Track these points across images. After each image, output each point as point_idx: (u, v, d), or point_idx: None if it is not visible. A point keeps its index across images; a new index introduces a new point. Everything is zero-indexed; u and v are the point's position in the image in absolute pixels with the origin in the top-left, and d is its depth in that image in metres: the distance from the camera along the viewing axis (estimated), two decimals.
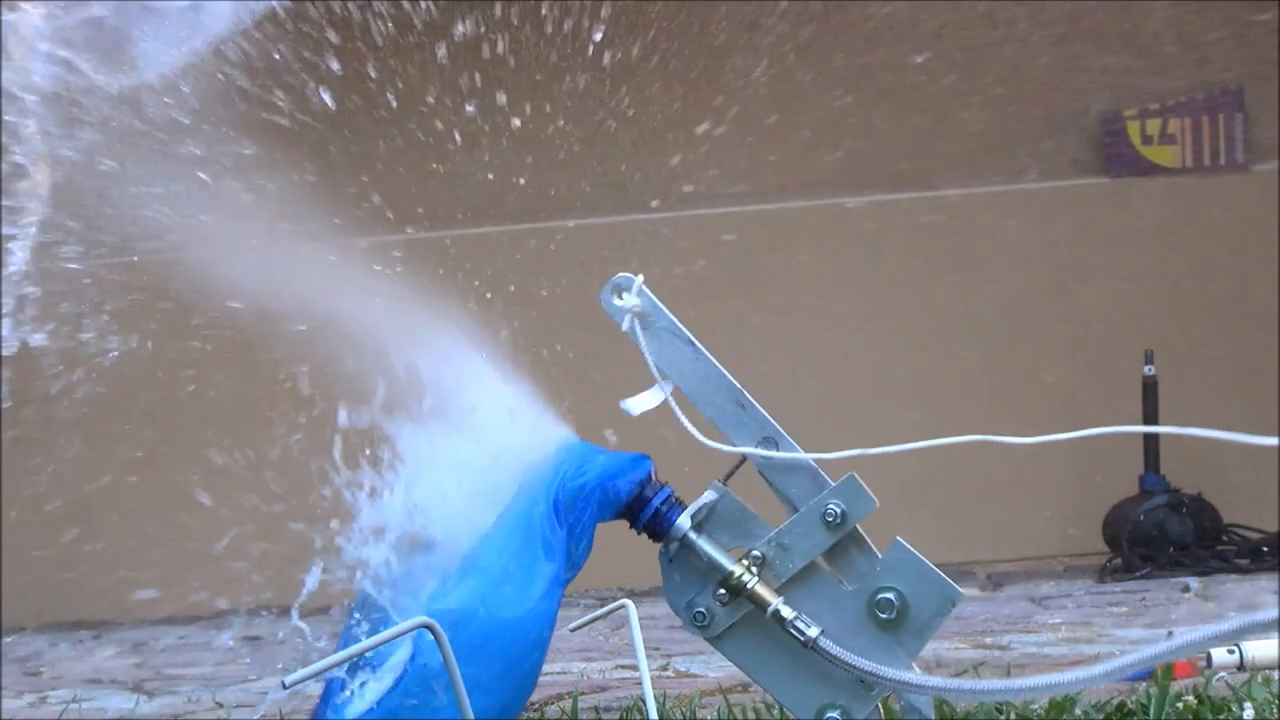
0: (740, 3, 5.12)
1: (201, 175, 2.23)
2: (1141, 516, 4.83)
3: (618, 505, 2.19)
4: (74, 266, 2.27)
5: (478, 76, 5.13)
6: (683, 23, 5.16)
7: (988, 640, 3.48)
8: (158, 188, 2.20)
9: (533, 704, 2.88)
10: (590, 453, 2.21)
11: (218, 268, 2.21)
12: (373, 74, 5.05)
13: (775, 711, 2.41)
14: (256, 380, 5.13)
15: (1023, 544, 5.10)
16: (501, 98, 5.14)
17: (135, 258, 2.28)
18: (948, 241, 5.18)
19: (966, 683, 2.09)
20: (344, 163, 5.16)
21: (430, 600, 2.12)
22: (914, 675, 2.13)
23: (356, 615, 2.15)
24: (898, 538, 2.17)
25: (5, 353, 2.20)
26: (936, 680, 2.12)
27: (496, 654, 2.10)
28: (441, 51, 5.08)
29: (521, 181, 5.16)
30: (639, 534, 2.22)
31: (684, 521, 2.18)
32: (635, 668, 2.24)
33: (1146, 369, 4.92)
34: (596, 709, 2.63)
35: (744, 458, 2.19)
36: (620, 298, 2.20)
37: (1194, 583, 4.47)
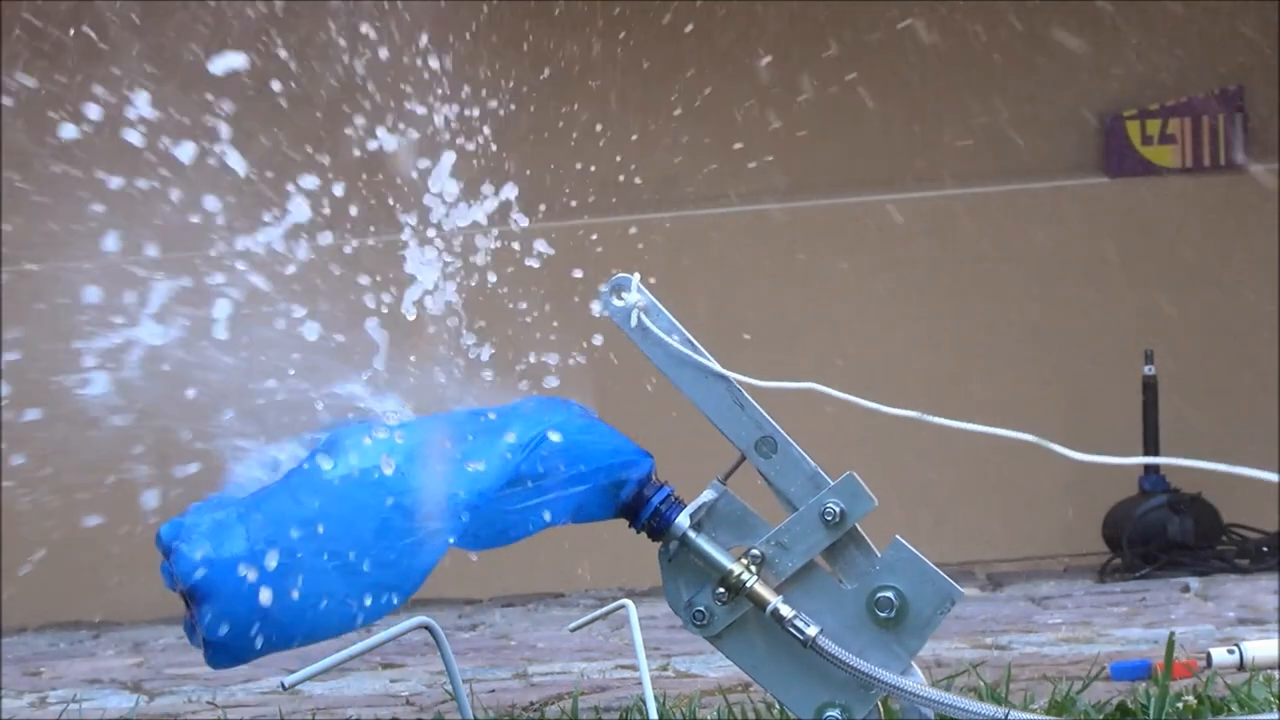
0: (744, 3, 5.13)
1: None
2: (1141, 516, 4.83)
3: (617, 498, 2.18)
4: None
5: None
6: (682, 21, 5.16)
7: (987, 640, 3.48)
8: None
9: (532, 704, 2.88)
10: (608, 430, 2.19)
11: None
12: None
13: (775, 711, 2.41)
14: (257, 381, 5.14)
15: (1023, 544, 5.10)
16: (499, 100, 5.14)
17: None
18: (948, 241, 5.18)
19: (960, 700, 2.09)
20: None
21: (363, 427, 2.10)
22: (911, 682, 2.13)
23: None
24: (897, 536, 2.17)
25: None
26: (933, 692, 2.12)
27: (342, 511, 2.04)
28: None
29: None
30: (638, 533, 2.22)
31: (683, 520, 2.18)
32: (635, 668, 2.24)
33: (1146, 369, 4.92)
34: (596, 709, 2.63)
35: (743, 456, 2.19)
36: (619, 298, 2.20)
37: (1194, 583, 4.47)
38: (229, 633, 2.01)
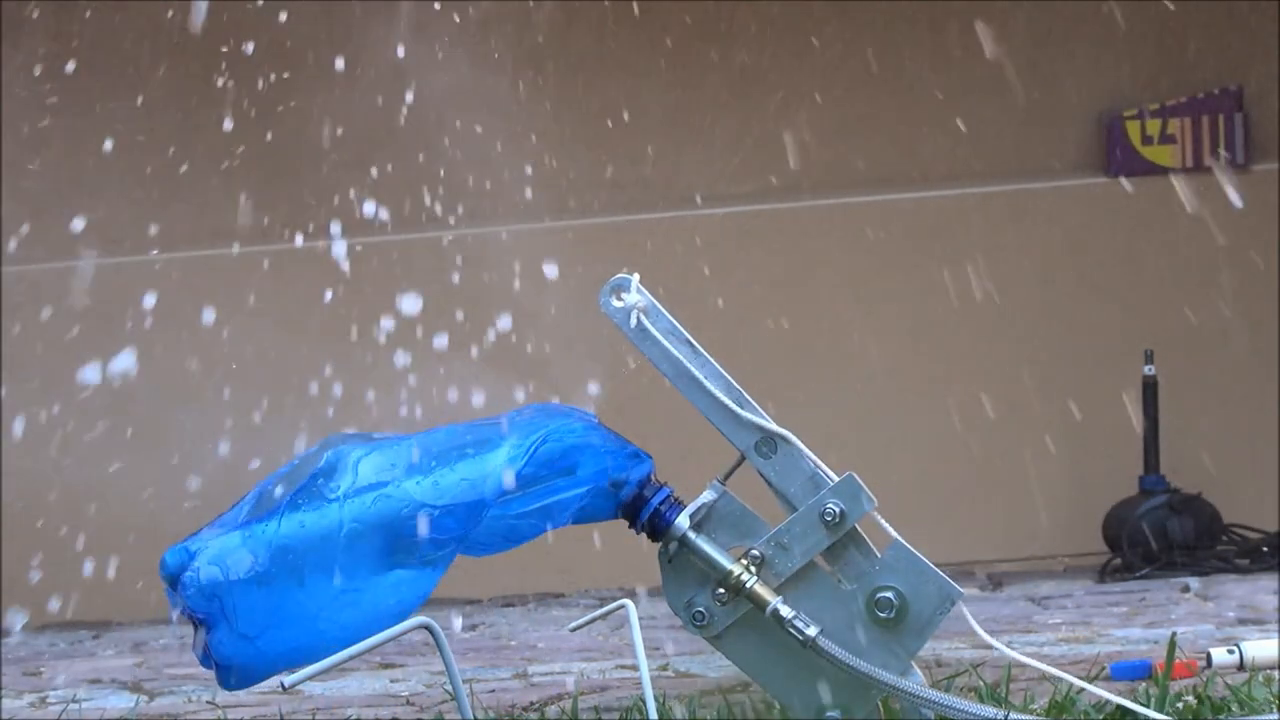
0: (741, 2, 5.13)
1: None
2: (1141, 516, 4.83)
3: (617, 499, 2.18)
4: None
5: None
6: (681, 20, 5.16)
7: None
8: None
9: (532, 704, 2.88)
10: (607, 433, 2.19)
11: None
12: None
13: (775, 711, 2.41)
14: (256, 379, 5.15)
15: (1023, 544, 5.10)
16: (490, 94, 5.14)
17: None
18: (947, 241, 5.18)
19: (960, 701, 2.09)
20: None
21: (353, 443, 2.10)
22: (911, 682, 2.13)
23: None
24: (897, 536, 2.18)
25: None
26: (933, 693, 2.12)
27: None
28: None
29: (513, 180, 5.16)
30: (638, 534, 2.22)
31: (683, 521, 2.18)
32: (635, 668, 2.24)
33: (1146, 369, 4.92)
34: (596, 709, 2.63)
35: (743, 457, 2.19)
36: (619, 299, 2.20)
37: (1194, 583, 4.47)
38: (241, 656, 2.02)
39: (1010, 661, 2.76)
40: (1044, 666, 2.32)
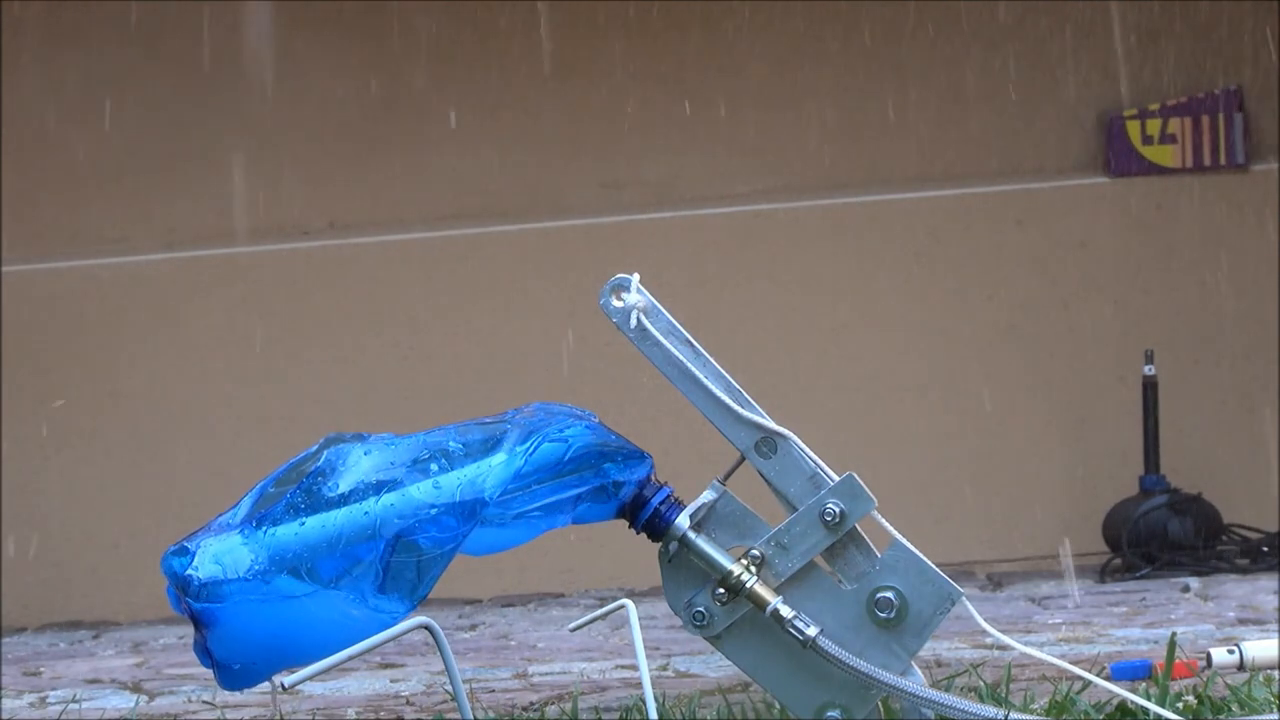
0: (739, 2, 5.13)
1: None
2: (1141, 516, 4.83)
3: (617, 499, 2.18)
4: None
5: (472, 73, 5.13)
6: (681, 21, 5.16)
7: (987, 640, 3.48)
8: None
9: (532, 704, 2.88)
10: (607, 432, 2.19)
11: None
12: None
13: (775, 711, 2.41)
14: (255, 382, 5.15)
15: (1023, 544, 5.10)
16: (497, 93, 5.14)
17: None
18: (948, 242, 5.18)
19: (960, 701, 2.09)
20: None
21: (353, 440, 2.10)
22: (911, 682, 2.13)
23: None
24: (898, 536, 2.18)
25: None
26: (933, 693, 2.12)
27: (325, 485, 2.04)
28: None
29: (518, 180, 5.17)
30: (638, 534, 2.22)
31: (683, 521, 2.18)
32: (635, 668, 2.24)
33: (1146, 369, 4.92)
34: (596, 709, 2.63)
35: (743, 457, 2.19)
36: (619, 299, 2.20)
37: (1194, 583, 4.47)
38: (241, 655, 2.02)
39: (1014, 660, 2.76)
40: (1060, 663, 2.32)
